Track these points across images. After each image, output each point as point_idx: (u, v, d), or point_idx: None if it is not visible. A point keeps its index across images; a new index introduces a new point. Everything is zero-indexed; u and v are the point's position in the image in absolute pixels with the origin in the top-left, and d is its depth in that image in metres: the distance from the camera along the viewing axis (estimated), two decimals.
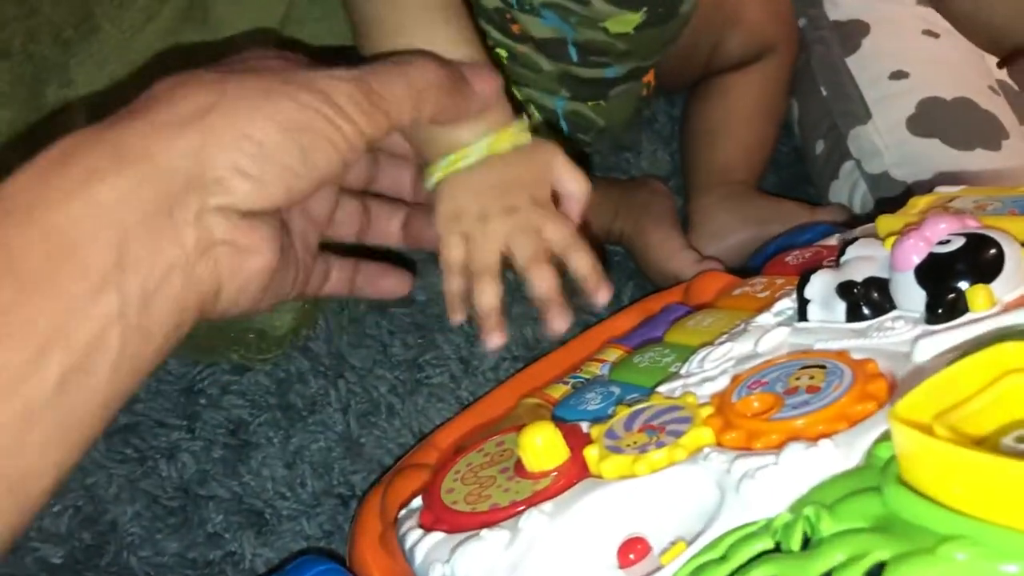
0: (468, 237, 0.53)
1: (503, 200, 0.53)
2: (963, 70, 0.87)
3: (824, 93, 0.90)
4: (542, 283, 0.53)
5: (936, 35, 0.90)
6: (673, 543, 0.37)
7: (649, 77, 0.89)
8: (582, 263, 0.54)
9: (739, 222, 0.86)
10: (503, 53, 0.79)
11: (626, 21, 0.78)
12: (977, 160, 0.81)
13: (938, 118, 0.83)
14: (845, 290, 0.51)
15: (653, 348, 0.61)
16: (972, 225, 0.49)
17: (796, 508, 0.35)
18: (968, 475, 0.30)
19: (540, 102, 0.83)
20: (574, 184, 0.55)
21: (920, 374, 0.40)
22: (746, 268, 0.81)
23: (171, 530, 0.67)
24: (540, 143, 0.56)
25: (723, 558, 0.34)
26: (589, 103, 0.85)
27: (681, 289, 0.74)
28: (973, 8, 0.90)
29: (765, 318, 0.54)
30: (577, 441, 0.47)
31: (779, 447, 0.39)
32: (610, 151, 0.95)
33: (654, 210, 0.86)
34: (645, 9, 0.78)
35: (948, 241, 0.48)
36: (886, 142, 0.83)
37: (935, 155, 0.81)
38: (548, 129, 0.82)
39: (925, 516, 0.31)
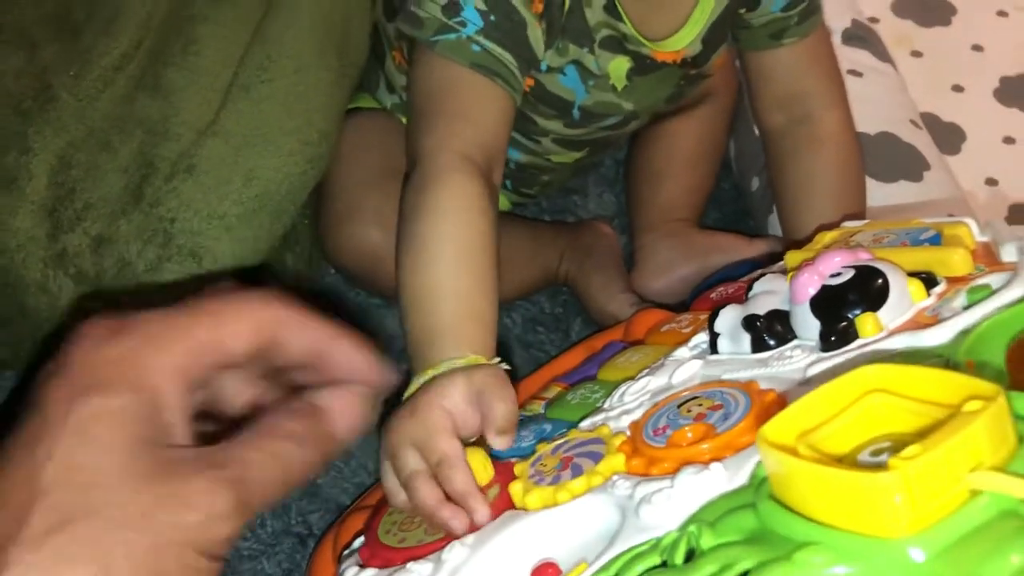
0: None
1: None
2: (886, 106, 0.92)
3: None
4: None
5: (860, 74, 0.95)
6: (577, 564, 0.40)
7: None
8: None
9: (682, 257, 0.90)
10: None
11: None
12: (900, 191, 0.85)
13: (864, 153, 0.87)
14: (749, 323, 0.54)
15: (586, 385, 0.64)
16: (864, 258, 0.53)
17: (684, 526, 0.39)
18: (822, 488, 0.33)
19: None
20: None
21: None
22: (688, 302, 0.85)
23: None
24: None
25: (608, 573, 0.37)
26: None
27: (622, 327, 0.78)
28: None
29: (682, 352, 0.58)
30: (505, 477, 0.50)
31: (675, 472, 0.42)
32: (558, 195, 0.99)
33: (597, 253, 0.90)
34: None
35: (840, 274, 0.52)
36: None
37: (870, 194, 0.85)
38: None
39: (788, 527, 0.34)
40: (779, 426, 0.37)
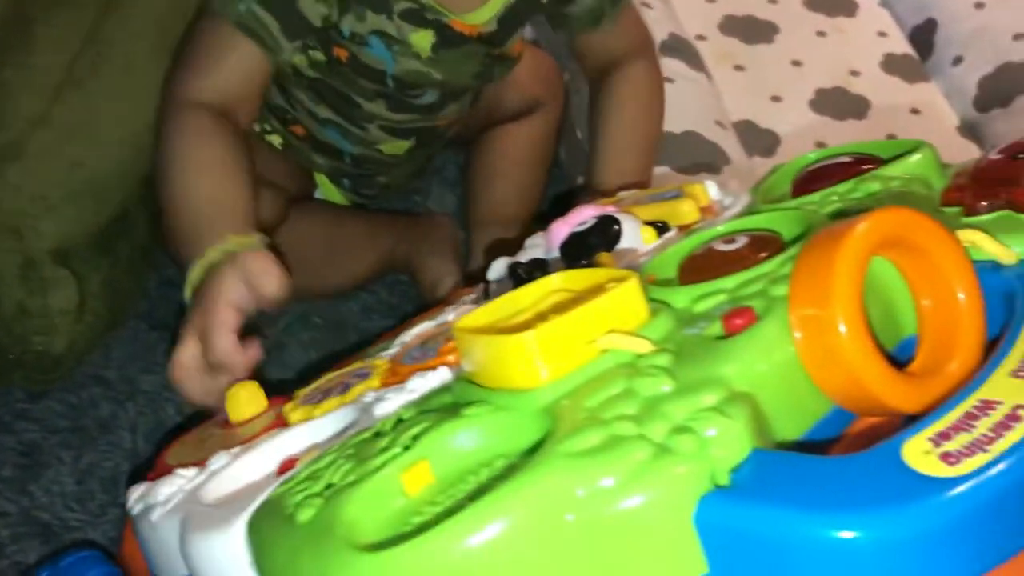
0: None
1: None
2: (693, 109, 1.01)
3: (580, 136, 1.02)
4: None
5: (672, 80, 1.03)
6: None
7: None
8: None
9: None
10: (277, 140, 0.90)
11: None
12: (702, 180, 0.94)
13: (667, 149, 0.95)
14: (512, 270, 0.61)
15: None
16: (609, 211, 0.60)
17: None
18: (485, 355, 0.40)
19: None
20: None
21: None
22: None
23: None
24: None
25: (328, 451, 0.43)
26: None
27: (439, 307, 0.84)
28: None
29: (463, 300, 0.64)
30: (283, 402, 0.56)
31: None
32: (402, 197, 1.05)
33: (433, 240, 0.96)
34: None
35: (586, 223, 0.59)
36: None
37: (665, 182, 0.93)
38: None
39: (467, 394, 0.41)
40: (474, 318, 0.43)
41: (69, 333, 0.74)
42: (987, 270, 0.40)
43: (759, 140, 1.10)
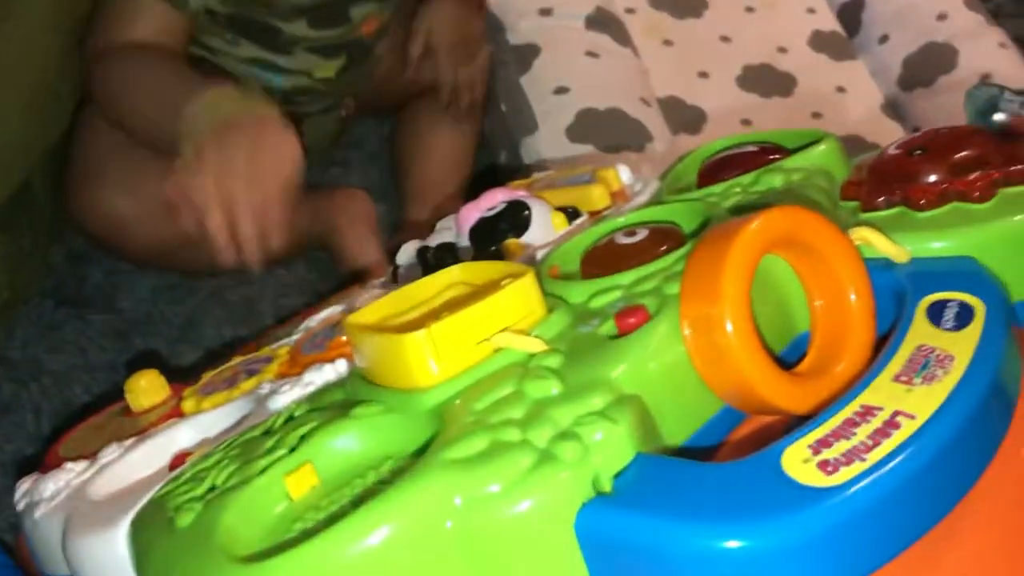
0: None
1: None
2: (618, 84, 1.00)
3: (504, 109, 1.01)
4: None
5: (597, 55, 1.03)
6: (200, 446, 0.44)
7: (348, 104, 0.98)
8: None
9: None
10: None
11: (329, 66, 0.88)
12: (623, 160, 0.93)
13: (592, 126, 0.95)
14: (420, 254, 0.60)
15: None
16: (520, 195, 0.60)
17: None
18: (376, 353, 0.39)
19: None
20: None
21: None
22: None
23: None
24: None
25: (217, 448, 0.42)
26: None
27: (352, 287, 0.83)
28: None
29: (372, 284, 0.63)
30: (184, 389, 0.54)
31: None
32: (320, 170, 1.03)
33: (351, 212, 0.94)
34: (344, 56, 0.87)
35: (495, 207, 0.58)
36: (549, 148, 0.94)
37: (590, 162, 0.93)
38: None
39: (358, 392, 0.40)
40: (367, 313, 0.42)
41: None
42: (879, 268, 0.40)
43: (685, 117, 1.10)
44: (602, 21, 1.07)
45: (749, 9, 1.28)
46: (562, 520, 0.31)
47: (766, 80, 1.18)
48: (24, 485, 0.50)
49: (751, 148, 0.52)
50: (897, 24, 1.23)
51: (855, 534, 0.29)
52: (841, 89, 1.20)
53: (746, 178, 0.48)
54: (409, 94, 1.01)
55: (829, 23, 1.26)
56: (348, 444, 0.37)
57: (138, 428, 0.51)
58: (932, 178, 0.43)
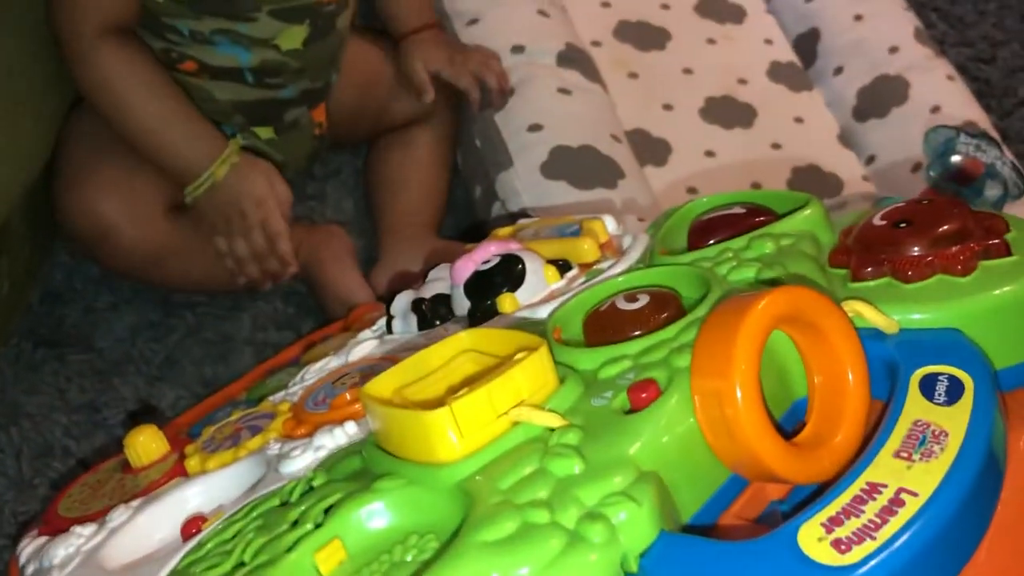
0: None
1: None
2: (589, 121, 1.02)
3: (478, 144, 1.02)
4: None
5: (569, 92, 1.05)
6: (216, 512, 0.45)
7: (320, 115, 0.99)
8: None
9: (414, 261, 0.98)
10: None
11: (293, 35, 0.88)
12: (596, 197, 0.96)
13: (565, 163, 0.97)
14: (415, 306, 0.61)
15: (288, 369, 0.70)
16: (513, 248, 0.61)
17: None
18: (396, 427, 0.40)
19: None
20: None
21: None
22: None
23: None
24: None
25: (235, 517, 0.42)
26: (264, 137, 0.94)
27: (342, 322, 0.83)
28: None
29: (365, 334, 0.64)
30: (184, 443, 0.55)
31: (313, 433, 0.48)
32: (296, 201, 1.03)
33: (332, 247, 0.95)
34: (308, 22, 0.88)
35: (490, 261, 0.60)
36: (524, 185, 0.96)
37: (563, 195, 0.95)
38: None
39: (378, 464, 0.41)
40: (382, 382, 0.43)
41: None
42: (870, 337, 0.42)
43: (651, 150, 1.13)
44: (572, 58, 1.09)
45: (710, 40, 1.31)
46: None
47: (727, 111, 1.21)
48: (28, 547, 0.50)
49: (739, 209, 0.55)
50: (851, 56, 1.27)
51: None
52: (799, 119, 1.23)
53: (737, 242, 0.51)
54: (383, 127, 1.03)
55: (786, 54, 1.30)
56: (374, 518, 0.38)
57: (141, 487, 0.52)
58: (917, 250, 0.45)
